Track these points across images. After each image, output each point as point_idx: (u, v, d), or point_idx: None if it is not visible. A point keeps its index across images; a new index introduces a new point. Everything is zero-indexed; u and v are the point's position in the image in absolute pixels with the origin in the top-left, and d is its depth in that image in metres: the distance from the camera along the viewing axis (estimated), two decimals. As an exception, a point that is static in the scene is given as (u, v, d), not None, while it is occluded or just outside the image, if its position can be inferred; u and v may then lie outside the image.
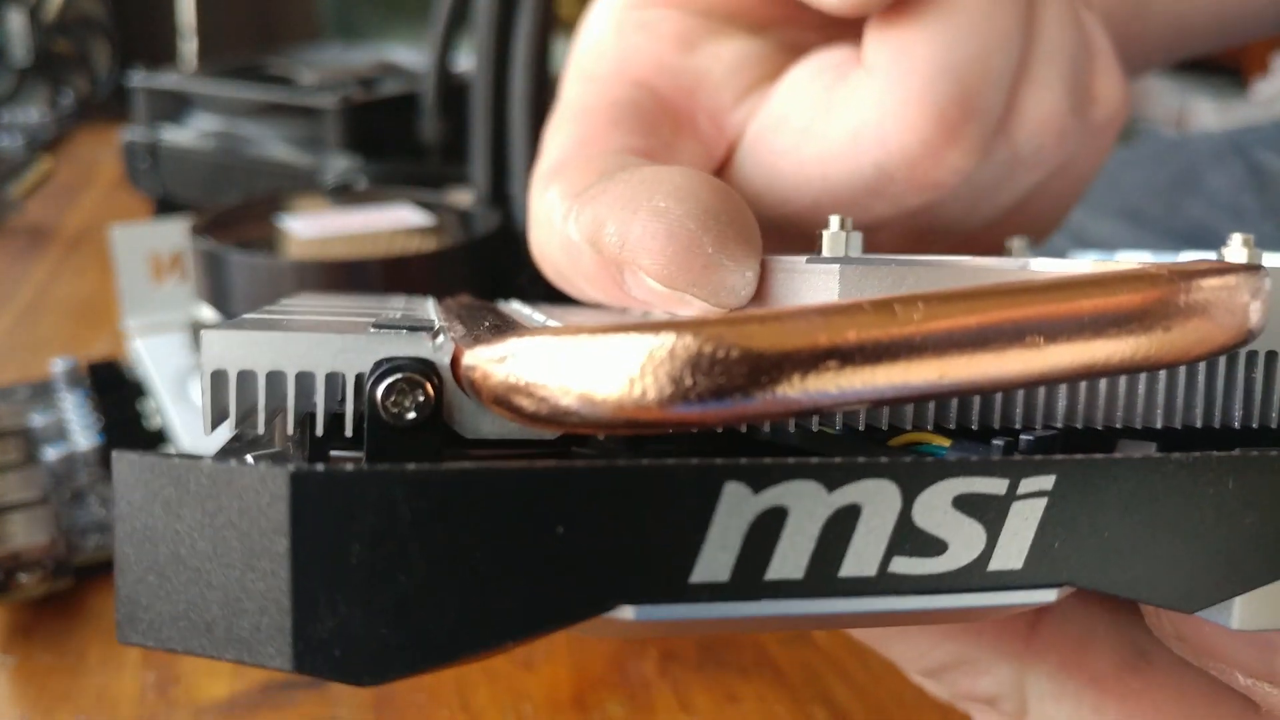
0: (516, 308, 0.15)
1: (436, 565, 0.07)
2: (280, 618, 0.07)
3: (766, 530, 0.07)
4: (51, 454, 0.24)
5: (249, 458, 0.09)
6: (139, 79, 0.46)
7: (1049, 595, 0.08)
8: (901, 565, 0.08)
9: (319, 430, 0.09)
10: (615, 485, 0.07)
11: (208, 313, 0.25)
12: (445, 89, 0.38)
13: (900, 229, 0.16)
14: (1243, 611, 0.09)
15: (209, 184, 0.43)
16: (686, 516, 0.07)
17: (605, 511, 0.07)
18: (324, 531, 0.07)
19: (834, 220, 0.12)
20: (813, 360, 0.07)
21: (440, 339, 0.09)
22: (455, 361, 0.09)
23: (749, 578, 0.07)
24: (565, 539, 0.07)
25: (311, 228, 0.26)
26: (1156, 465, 0.08)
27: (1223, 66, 1.88)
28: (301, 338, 0.09)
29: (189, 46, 1.28)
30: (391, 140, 0.42)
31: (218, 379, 0.09)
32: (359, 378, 0.09)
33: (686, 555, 0.07)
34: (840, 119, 0.15)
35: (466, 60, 0.29)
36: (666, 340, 0.07)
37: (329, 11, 1.26)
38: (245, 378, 0.09)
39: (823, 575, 0.08)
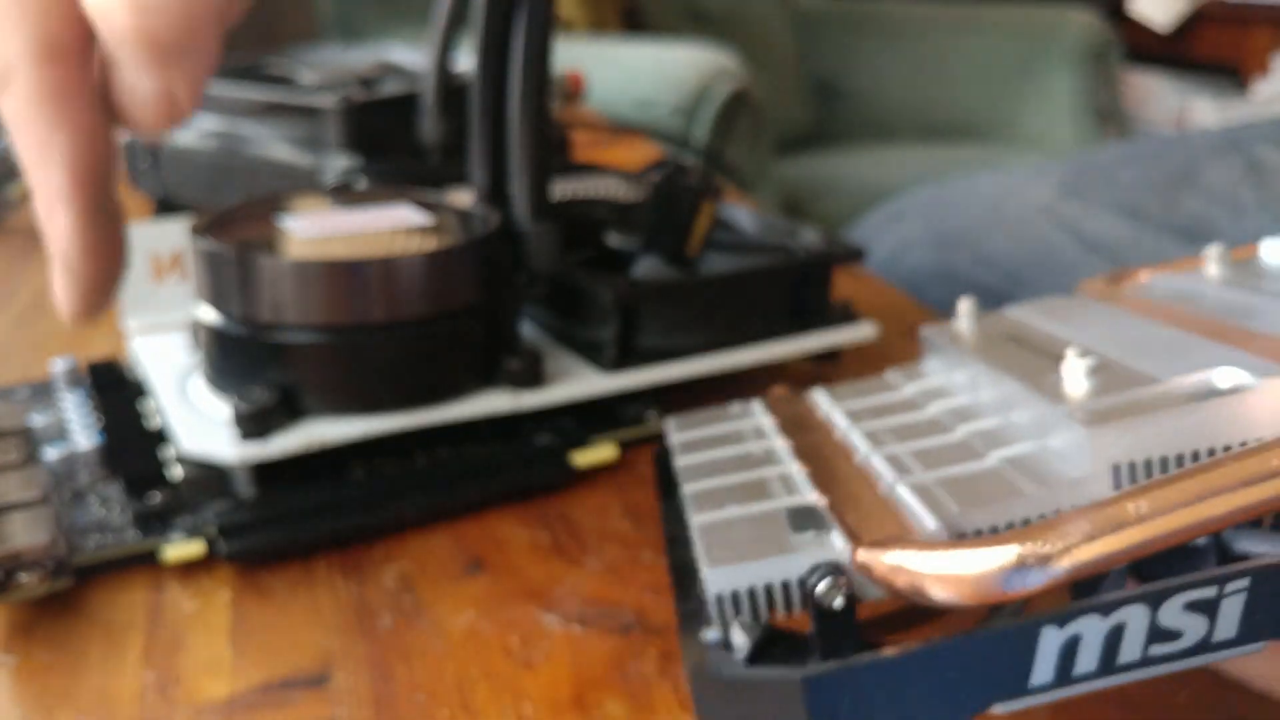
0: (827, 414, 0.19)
1: (896, 700, 0.12)
2: None
3: (1070, 646, 0.12)
4: (52, 454, 0.24)
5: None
6: None
7: (1259, 647, 0.12)
8: (1155, 649, 0.12)
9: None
10: (991, 640, 0.12)
11: (207, 312, 0.25)
12: (445, 89, 0.38)
13: None
14: None
15: (209, 184, 0.43)
16: (1024, 648, 0.12)
17: (985, 650, 0.12)
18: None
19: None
20: (1083, 556, 0.12)
21: (839, 541, 0.14)
22: (853, 554, 0.14)
23: (1064, 674, 0.12)
24: (958, 669, 0.12)
25: (312, 227, 0.26)
26: None
27: (1223, 67, 1.87)
28: (762, 565, 0.14)
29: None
30: (392, 140, 0.42)
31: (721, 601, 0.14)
32: (801, 582, 0.14)
33: (1026, 667, 0.12)
34: None
35: (467, 60, 0.29)
36: (993, 556, 0.12)
37: (329, 12, 1.26)
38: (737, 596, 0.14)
39: (1105, 665, 0.12)
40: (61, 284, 0.20)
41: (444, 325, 0.24)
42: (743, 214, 0.34)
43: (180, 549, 0.22)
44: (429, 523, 0.24)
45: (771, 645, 0.14)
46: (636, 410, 0.28)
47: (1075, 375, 0.15)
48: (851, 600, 0.13)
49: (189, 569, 0.22)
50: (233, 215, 0.27)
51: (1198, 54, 1.91)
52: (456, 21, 0.36)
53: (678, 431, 0.20)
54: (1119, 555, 0.11)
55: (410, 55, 0.52)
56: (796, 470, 0.17)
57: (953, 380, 0.19)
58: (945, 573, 0.12)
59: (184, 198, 0.44)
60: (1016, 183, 0.53)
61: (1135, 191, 0.45)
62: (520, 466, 0.25)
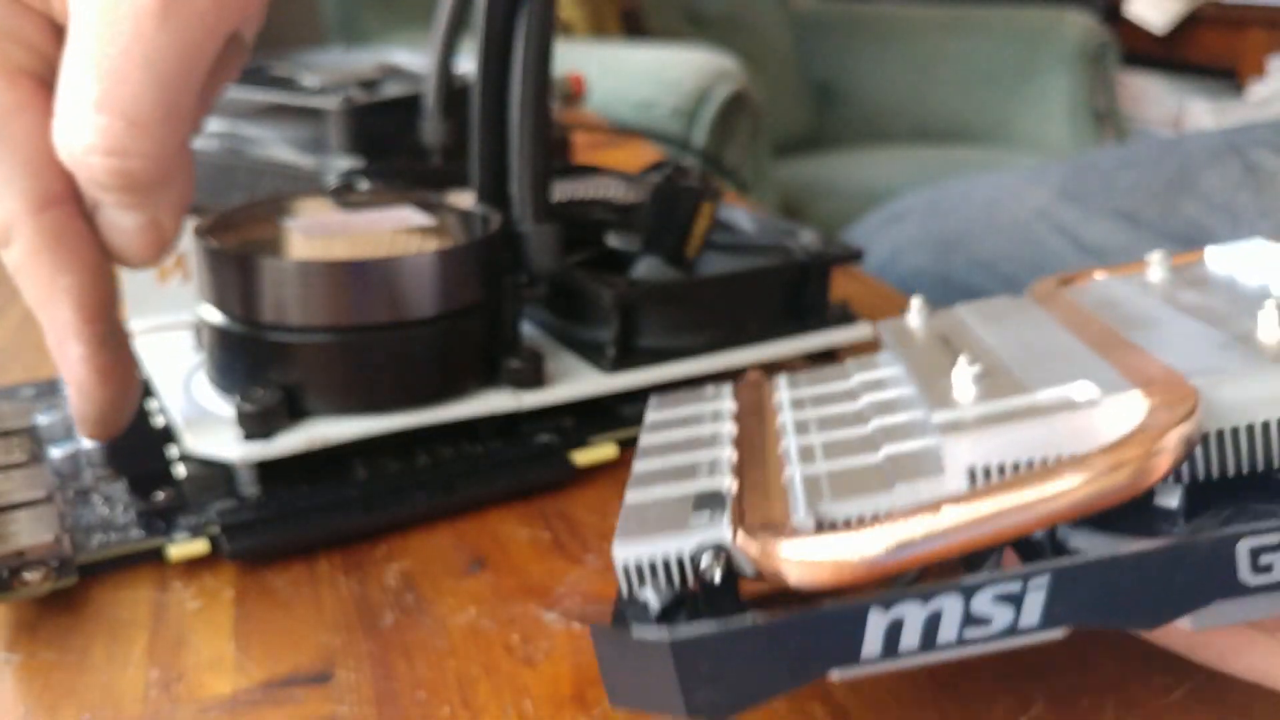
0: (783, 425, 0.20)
1: (750, 662, 0.14)
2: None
3: (894, 627, 0.14)
4: (56, 453, 0.24)
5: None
6: None
7: (1058, 634, 0.14)
8: (969, 632, 0.14)
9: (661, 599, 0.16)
10: (825, 617, 0.14)
11: (211, 313, 0.25)
12: (447, 91, 0.38)
13: None
14: (1192, 619, 0.14)
15: (213, 185, 0.44)
16: (855, 627, 0.14)
17: (821, 625, 0.14)
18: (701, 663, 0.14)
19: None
20: (925, 544, 0.14)
21: (727, 523, 0.16)
22: (734, 534, 0.15)
23: (890, 650, 0.14)
24: (800, 640, 0.14)
25: (314, 228, 0.26)
26: (1118, 560, 0.14)
27: (1219, 69, 1.88)
28: (660, 541, 0.16)
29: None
30: (394, 142, 0.42)
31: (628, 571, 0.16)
32: (691, 558, 0.16)
33: (857, 642, 0.14)
34: None
35: (468, 62, 0.29)
36: (854, 553, 0.14)
37: (332, 15, 1.27)
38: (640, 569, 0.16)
39: (926, 643, 0.14)
40: (79, 408, 0.22)
41: (446, 325, 0.25)
42: (742, 215, 0.34)
43: (184, 548, 0.22)
44: (431, 521, 0.24)
45: (680, 606, 0.16)
46: (636, 410, 0.28)
47: (964, 381, 0.17)
48: (731, 575, 0.15)
49: (193, 567, 0.22)
50: (236, 216, 0.27)
51: (1194, 56, 1.91)
52: (458, 24, 0.36)
53: (652, 410, 0.22)
54: (928, 555, 0.13)
55: (412, 58, 0.52)
56: (726, 456, 0.18)
57: (889, 374, 0.20)
58: (791, 559, 0.14)
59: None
60: (1013, 186, 0.53)
61: (1133, 196, 0.46)
62: (521, 465, 0.25)
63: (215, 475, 0.23)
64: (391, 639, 0.20)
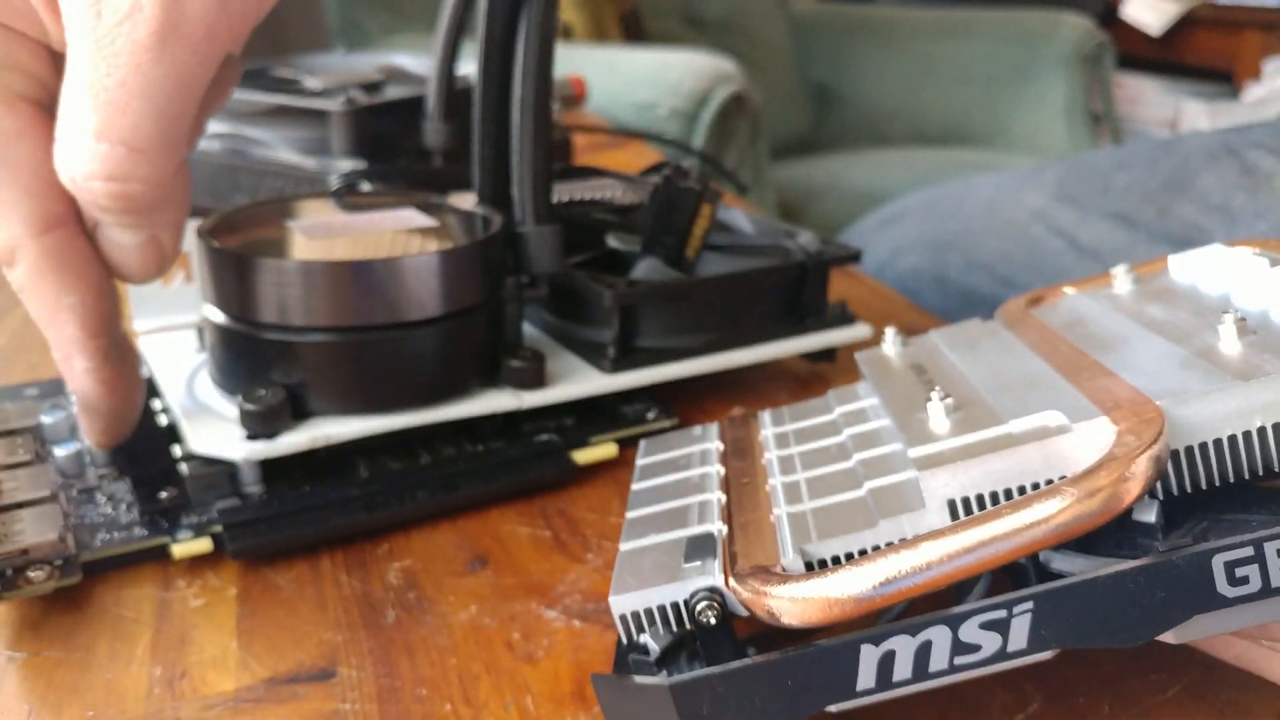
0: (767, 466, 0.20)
1: (747, 701, 0.14)
2: None
3: (887, 659, 0.14)
4: (61, 452, 0.24)
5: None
6: None
7: (1047, 655, 0.14)
8: (959, 659, 0.14)
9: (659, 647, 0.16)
10: (819, 654, 0.14)
11: (214, 313, 0.25)
12: (449, 93, 0.38)
13: None
14: (1174, 634, 0.14)
15: (216, 186, 0.44)
16: (849, 662, 0.14)
17: (815, 662, 0.14)
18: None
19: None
20: (907, 579, 0.14)
21: (718, 568, 0.16)
22: (726, 578, 0.16)
23: (884, 681, 0.14)
24: (796, 677, 0.14)
25: (317, 230, 0.26)
26: (1097, 582, 0.14)
27: (1215, 71, 1.88)
28: (655, 591, 0.16)
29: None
30: (396, 143, 0.42)
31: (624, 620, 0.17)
32: (686, 603, 0.16)
33: (852, 676, 0.14)
34: None
35: (471, 65, 0.30)
36: (842, 592, 0.14)
37: (335, 18, 1.27)
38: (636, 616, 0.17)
39: (919, 673, 0.14)
40: (86, 420, 0.22)
41: (447, 326, 0.25)
42: (741, 216, 0.35)
43: (187, 546, 0.22)
44: (432, 520, 0.24)
45: (680, 649, 0.16)
46: (636, 409, 0.28)
47: (938, 414, 0.17)
48: (725, 618, 0.16)
49: (196, 565, 0.22)
50: (238, 217, 0.27)
51: (1190, 58, 1.91)
52: (460, 27, 0.36)
53: (642, 456, 0.23)
54: (913, 590, 0.14)
55: (415, 60, 0.52)
56: (715, 499, 0.19)
57: (868, 405, 0.21)
58: (782, 599, 0.15)
59: (191, 199, 0.45)
60: (1010, 187, 0.53)
61: (1129, 197, 0.46)
62: (522, 464, 0.25)
63: (218, 474, 0.23)
64: (393, 636, 0.20)
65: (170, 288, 0.30)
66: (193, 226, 0.25)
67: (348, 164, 0.41)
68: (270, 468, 0.24)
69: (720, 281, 0.29)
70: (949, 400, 0.18)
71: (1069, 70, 1.48)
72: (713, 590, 0.16)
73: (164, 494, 0.23)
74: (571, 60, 0.97)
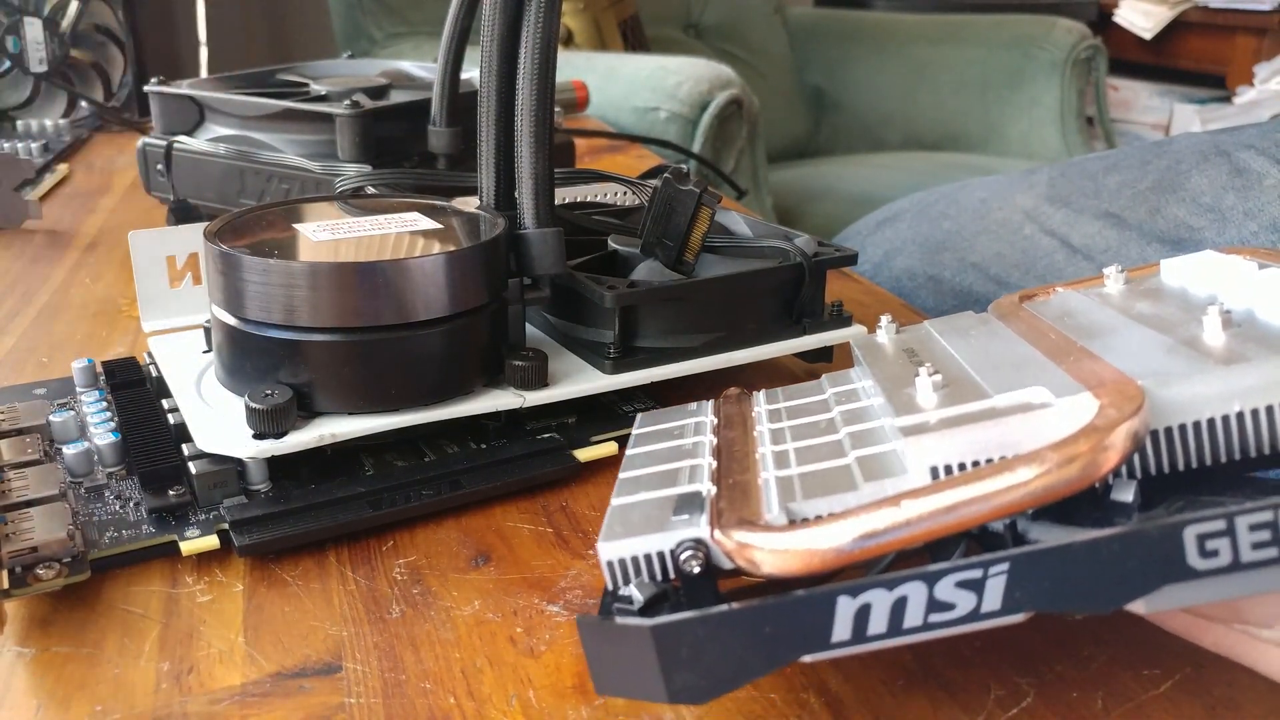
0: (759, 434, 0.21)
1: (726, 647, 0.15)
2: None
3: (862, 612, 0.14)
4: (69, 451, 0.25)
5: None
6: (154, 87, 0.46)
7: (1019, 618, 0.14)
8: (934, 617, 0.14)
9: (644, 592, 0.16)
10: (796, 603, 0.15)
11: (222, 314, 0.25)
12: (453, 98, 0.38)
13: None
14: (1145, 603, 0.15)
15: (224, 189, 0.44)
16: (825, 612, 0.14)
17: (792, 611, 0.15)
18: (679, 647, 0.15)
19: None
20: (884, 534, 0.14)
21: (704, 521, 0.16)
22: (712, 531, 0.16)
23: (859, 634, 0.14)
24: (774, 625, 0.15)
25: (322, 232, 0.27)
26: (1072, 548, 0.14)
27: (1208, 75, 1.88)
28: (642, 540, 0.17)
29: (202, 56, 1.29)
30: (401, 147, 0.42)
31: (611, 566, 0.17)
32: (671, 553, 0.17)
33: (827, 627, 0.15)
34: None
35: (475, 70, 0.30)
36: (822, 543, 0.15)
37: (341, 24, 1.27)
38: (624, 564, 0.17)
39: (893, 628, 0.14)
40: None
41: (452, 326, 0.25)
42: (739, 219, 0.35)
43: (195, 543, 0.22)
44: (437, 516, 0.25)
45: (663, 600, 0.16)
46: (637, 408, 0.28)
47: (926, 389, 0.18)
48: (710, 571, 0.16)
49: (203, 562, 0.22)
50: (245, 220, 0.27)
51: (1183, 62, 1.92)
52: (464, 33, 0.37)
53: (639, 426, 0.23)
54: (891, 545, 0.14)
55: (419, 66, 0.53)
56: (706, 463, 0.19)
57: (859, 386, 0.21)
58: (763, 549, 0.15)
59: (198, 203, 0.45)
60: (1003, 189, 0.53)
61: (1120, 198, 0.46)
62: (525, 462, 0.26)
63: (226, 472, 0.23)
64: (398, 631, 0.20)
65: (178, 290, 0.30)
66: (201, 229, 0.25)
67: (353, 168, 0.41)
68: (277, 466, 0.24)
69: (719, 283, 0.29)
70: (937, 376, 0.18)
71: (1062, 75, 1.48)
72: (698, 542, 0.16)
73: (172, 492, 0.23)
74: (573, 66, 0.98)
